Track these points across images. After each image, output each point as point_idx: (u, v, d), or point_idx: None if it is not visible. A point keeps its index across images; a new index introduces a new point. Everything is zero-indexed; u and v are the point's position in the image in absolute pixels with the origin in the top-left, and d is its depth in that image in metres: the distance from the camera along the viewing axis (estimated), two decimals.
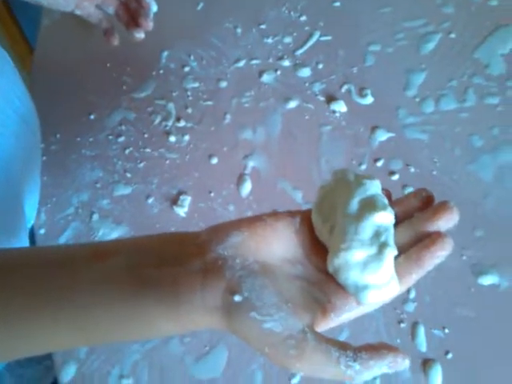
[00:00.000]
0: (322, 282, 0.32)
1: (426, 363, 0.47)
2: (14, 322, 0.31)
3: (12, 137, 0.51)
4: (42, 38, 0.71)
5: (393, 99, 0.62)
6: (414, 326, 0.49)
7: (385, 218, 0.32)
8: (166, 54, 0.68)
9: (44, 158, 0.60)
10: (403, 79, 0.63)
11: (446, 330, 0.48)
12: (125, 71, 0.67)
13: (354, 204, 0.33)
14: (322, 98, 0.63)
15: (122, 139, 0.61)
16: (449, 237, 0.32)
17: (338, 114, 0.61)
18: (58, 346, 0.33)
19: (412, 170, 0.57)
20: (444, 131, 0.59)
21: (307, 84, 0.64)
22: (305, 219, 0.33)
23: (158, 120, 0.62)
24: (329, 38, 0.68)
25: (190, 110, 0.63)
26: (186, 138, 0.61)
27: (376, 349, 0.30)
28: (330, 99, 0.62)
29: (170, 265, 0.31)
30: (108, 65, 0.68)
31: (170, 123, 0.62)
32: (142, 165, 0.59)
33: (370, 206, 0.32)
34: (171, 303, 0.30)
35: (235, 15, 0.71)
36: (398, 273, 0.31)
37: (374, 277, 0.31)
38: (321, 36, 0.68)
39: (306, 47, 0.67)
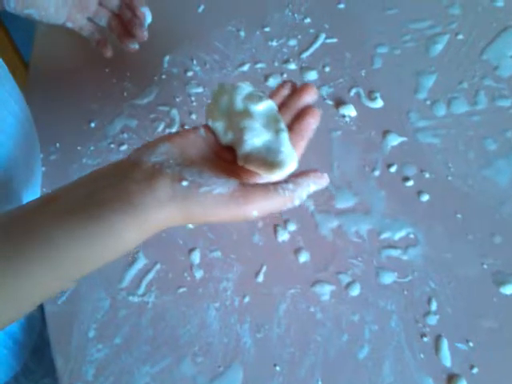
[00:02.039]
0: (235, 170, 0.39)
1: (451, 379, 0.45)
2: None
3: (11, 142, 0.48)
4: (38, 44, 0.69)
5: (403, 102, 0.60)
6: (437, 339, 0.47)
7: (266, 105, 0.41)
8: (167, 58, 0.65)
9: (43, 168, 0.57)
10: (413, 82, 0.62)
11: (470, 344, 0.46)
12: (125, 77, 0.64)
13: (239, 103, 0.41)
14: (330, 102, 0.61)
15: (124, 147, 0.59)
16: (315, 107, 0.43)
17: (347, 119, 0.59)
18: (42, 290, 0.35)
19: (427, 175, 0.55)
20: (457, 135, 0.58)
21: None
22: (208, 129, 0.41)
23: (161, 127, 0.60)
24: (334, 40, 0.66)
25: (194, 117, 0.61)
26: None
27: (300, 172, 0.38)
28: (339, 103, 0.60)
29: (116, 183, 0.35)
30: (107, 70, 0.65)
31: (174, 130, 0.59)
32: None
33: (251, 100, 0.41)
34: (129, 211, 0.34)
35: (237, 18, 0.69)
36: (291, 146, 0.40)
37: (278, 155, 0.38)
38: (326, 38, 0.66)
39: (311, 50, 0.65)
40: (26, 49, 1.43)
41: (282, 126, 0.41)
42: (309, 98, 0.43)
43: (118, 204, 0.34)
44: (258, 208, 0.36)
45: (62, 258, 0.34)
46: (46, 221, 0.34)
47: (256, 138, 0.40)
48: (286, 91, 0.44)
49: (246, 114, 0.41)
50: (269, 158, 0.39)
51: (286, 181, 0.37)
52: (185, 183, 0.35)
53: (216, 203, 0.35)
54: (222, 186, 0.36)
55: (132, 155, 0.38)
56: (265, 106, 0.41)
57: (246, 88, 0.42)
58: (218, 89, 0.43)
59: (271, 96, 0.44)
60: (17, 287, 0.33)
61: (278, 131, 0.40)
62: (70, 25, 0.60)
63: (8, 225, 0.35)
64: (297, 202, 0.37)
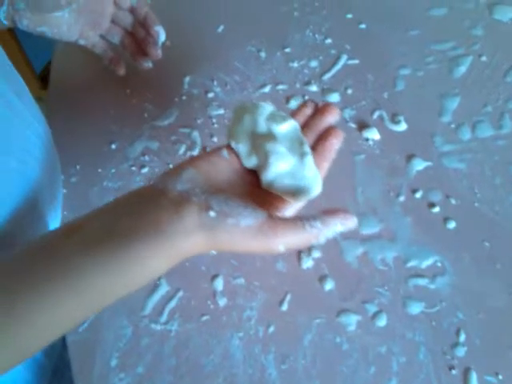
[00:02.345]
0: (261, 194, 0.39)
1: None
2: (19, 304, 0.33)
3: (36, 163, 0.48)
4: (56, 64, 0.68)
5: (427, 126, 0.60)
6: (466, 372, 0.46)
7: (289, 126, 0.41)
8: (187, 79, 0.65)
9: (64, 190, 0.57)
10: (437, 104, 0.61)
11: (500, 376, 0.45)
12: (146, 98, 0.64)
13: (262, 123, 0.41)
14: (353, 125, 0.60)
15: (145, 170, 0.58)
16: (336, 127, 0.43)
17: (371, 142, 0.59)
18: (66, 319, 0.35)
19: (453, 201, 0.54)
20: (482, 160, 0.57)
21: None
22: (231, 150, 0.41)
23: (182, 149, 0.59)
24: (356, 61, 0.65)
25: (215, 139, 0.60)
26: None
27: (330, 210, 0.37)
28: (362, 126, 0.60)
29: (142, 211, 0.35)
30: (128, 91, 0.65)
31: (195, 153, 0.59)
32: None
33: (273, 120, 0.41)
34: (156, 238, 0.33)
35: (257, 38, 0.68)
36: None
37: (303, 181, 0.39)
38: (348, 59, 0.65)
39: (333, 71, 0.64)
40: (38, 61, 1.44)
41: (307, 149, 0.41)
42: (331, 118, 0.44)
43: (145, 232, 0.34)
44: (285, 243, 0.36)
45: (87, 287, 0.33)
46: (71, 250, 0.34)
47: (281, 162, 0.40)
48: (308, 111, 0.44)
49: (270, 136, 0.40)
50: (294, 185, 0.39)
51: (315, 217, 0.36)
52: (212, 213, 0.35)
53: (244, 235, 0.35)
54: (249, 218, 0.35)
55: (157, 183, 0.37)
56: (288, 126, 0.41)
57: (267, 108, 0.42)
58: (239, 108, 0.43)
59: (293, 115, 0.44)
60: (42, 315, 0.33)
61: (302, 155, 0.40)
62: (82, 42, 0.60)
63: (33, 254, 0.35)
64: (322, 240, 0.36)
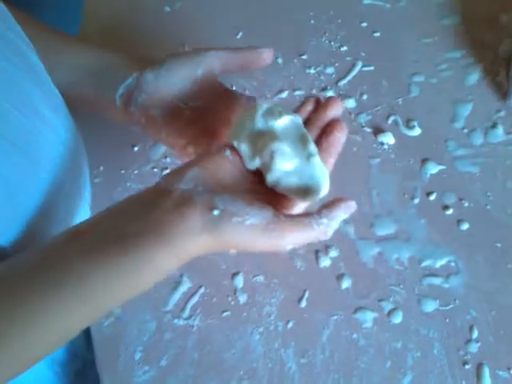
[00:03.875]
0: (266, 192, 0.39)
1: None
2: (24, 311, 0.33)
3: (65, 173, 0.49)
4: None
5: (441, 131, 0.61)
6: (479, 367, 0.47)
7: (287, 120, 0.40)
8: None
9: None
10: (450, 110, 0.63)
11: None
12: None
13: (259, 119, 0.40)
14: (368, 130, 0.62)
15: (166, 172, 0.60)
16: (341, 120, 0.42)
17: (386, 146, 0.60)
18: (78, 322, 0.35)
19: (466, 204, 0.56)
20: (495, 164, 0.59)
21: (353, 115, 0.63)
22: (233, 150, 0.40)
23: None
24: (371, 68, 0.67)
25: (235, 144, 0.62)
26: None
27: (331, 202, 0.37)
28: (378, 131, 0.62)
29: (146, 214, 0.35)
30: None
31: None
32: None
33: (271, 115, 0.40)
34: (161, 241, 0.34)
35: (275, 45, 0.69)
36: None
37: (310, 181, 0.38)
38: (363, 66, 0.67)
39: (349, 78, 0.66)
40: None
41: (313, 148, 0.40)
42: (334, 111, 0.43)
43: (149, 235, 0.34)
44: (292, 241, 0.36)
45: (96, 291, 0.34)
46: (77, 256, 0.34)
47: (285, 162, 0.39)
48: (310, 107, 0.44)
49: (271, 134, 0.40)
50: (301, 184, 0.39)
51: (320, 214, 0.36)
52: (216, 212, 0.35)
53: (249, 234, 0.35)
54: (255, 217, 0.35)
55: (161, 183, 0.38)
56: (286, 120, 0.40)
57: (264, 105, 0.42)
58: (242, 112, 0.43)
59: (296, 112, 0.43)
60: (51, 321, 0.34)
61: (308, 154, 0.39)
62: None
63: (40, 261, 0.35)
64: (330, 235, 0.37)
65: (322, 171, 0.39)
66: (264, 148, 0.39)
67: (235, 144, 0.40)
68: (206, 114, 0.49)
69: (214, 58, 0.50)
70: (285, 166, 0.39)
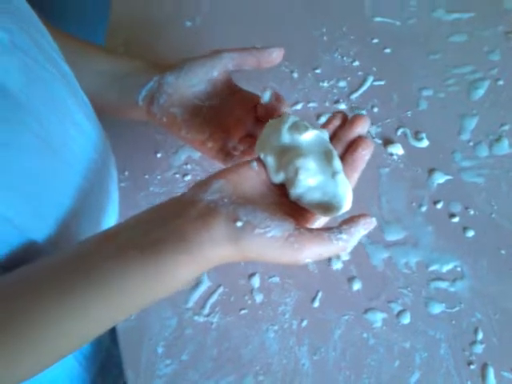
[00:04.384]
0: (289, 204, 0.40)
1: None
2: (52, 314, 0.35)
3: (97, 179, 0.51)
4: None
5: (448, 143, 0.64)
6: (484, 367, 0.50)
7: (312, 135, 0.41)
8: None
9: None
10: (456, 124, 0.66)
11: None
12: None
13: (285, 133, 0.41)
14: (379, 141, 0.65)
15: (188, 178, 0.63)
16: (367, 137, 0.44)
17: (395, 157, 0.64)
18: (96, 325, 0.37)
19: (471, 212, 0.59)
20: (499, 175, 0.61)
21: None
22: (260, 162, 0.41)
23: None
24: (382, 82, 0.70)
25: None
26: None
27: (351, 219, 0.38)
28: (387, 142, 0.65)
29: (170, 222, 0.36)
30: None
31: None
32: None
33: (296, 129, 0.41)
34: (184, 250, 0.35)
35: (290, 59, 0.74)
36: None
37: (333, 198, 0.39)
38: (374, 81, 0.71)
39: (360, 91, 0.70)
40: None
41: (337, 163, 0.41)
42: (361, 129, 0.44)
43: (173, 243, 0.35)
44: (311, 255, 0.37)
45: (117, 296, 0.35)
46: (101, 261, 0.36)
47: (310, 178, 0.40)
48: (337, 122, 0.45)
49: (297, 150, 0.41)
50: (324, 200, 0.40)
51: (340, 230, 0.37)
52: (239, 224, 0.36)
53: (270, 246, 0.36)
54: (276, 229, 0.36)
55: (187, 193, 0.39)
56: (311, 135, 0.41)
57: (291, 118, 0.43)
58: (269, 121, 0.44)
59: (323, 127, 0.45)
60: (72, 324, 0.35)
61: (333, 171, 0.40)
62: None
63: (65, 264, 0.37)
64: (348, 251, 0.38)
65: (345, 188, 0.40)
66: (289, 163, 0.40)
67: (261, 156, 0.42)
68: (222, 112, 0.53)
69: (228, 59, 0.54)
70: (309, 181, 0.40)
